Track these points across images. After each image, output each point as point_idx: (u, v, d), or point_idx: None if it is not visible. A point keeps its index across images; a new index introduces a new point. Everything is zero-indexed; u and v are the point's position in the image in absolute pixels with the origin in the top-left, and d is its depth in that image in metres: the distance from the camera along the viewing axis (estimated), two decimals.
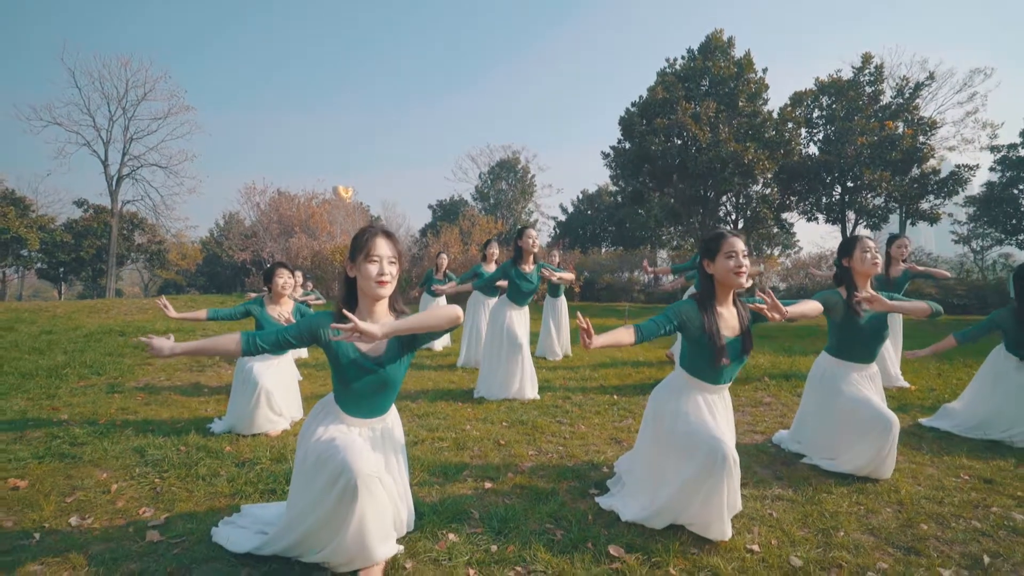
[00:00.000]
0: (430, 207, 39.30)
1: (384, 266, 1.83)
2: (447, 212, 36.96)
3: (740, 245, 2.16)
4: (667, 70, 18.70)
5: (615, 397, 4.72)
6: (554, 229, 37.33)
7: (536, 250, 4.73)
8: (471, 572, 1.92)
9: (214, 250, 37.57)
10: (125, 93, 27.05)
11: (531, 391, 4.63)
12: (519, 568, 1.94)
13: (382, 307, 1.94)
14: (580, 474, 2.88)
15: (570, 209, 37.32)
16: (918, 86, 18.66)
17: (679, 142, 17.43)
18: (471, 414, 4.13)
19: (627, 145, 18.89)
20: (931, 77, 18.78)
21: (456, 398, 4.67)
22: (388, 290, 1.86)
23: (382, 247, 1.83)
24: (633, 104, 19.22)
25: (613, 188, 29.34)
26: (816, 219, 20.63)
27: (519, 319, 4.84)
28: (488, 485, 2.70)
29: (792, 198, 19.17)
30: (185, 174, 28.83)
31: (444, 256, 7.77)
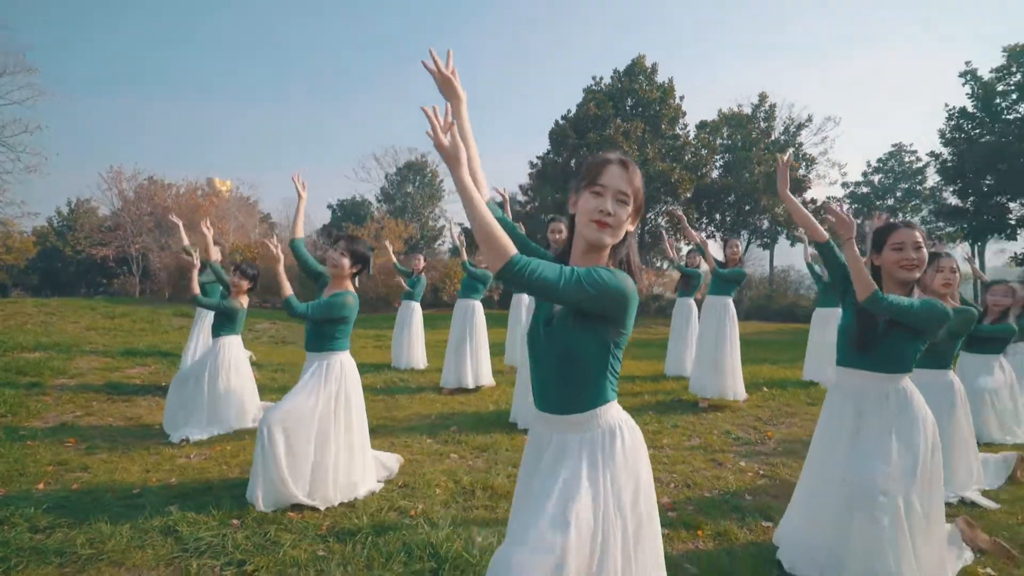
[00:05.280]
0: (330, 207, 36.65)
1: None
2: (348, 212, 34.83)
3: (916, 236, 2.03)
4: (594, 87, 19.46)
5: (652, 414, 4.48)
6: (459, 236, 36.84)
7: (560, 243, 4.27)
8: None
9: (53, 243, 31.21)
10: None
11: None
12: None
13: None
14: (735, 506, 2.63)
15: None
16: (800, 125, 21.73)
17: None
18: None
19: (557, 158, 19.23)
20: (809, 119, 22.04)
21: (496, 424, 4.11)
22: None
23: None
24: (563, 117, 19.64)
25: (523, 198, 29.57)
26: (714, 236, 22.80)
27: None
28: (665, 531, 2.28)
29: (702, 217, 21.04)
30: (23, 148, 23.35)
31: (420, 257, 7.26)
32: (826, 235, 2.12)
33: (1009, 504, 2.74)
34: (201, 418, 3.74)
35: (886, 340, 1.98)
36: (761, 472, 3.15)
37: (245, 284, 3.99)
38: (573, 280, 1.16)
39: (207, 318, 5.02)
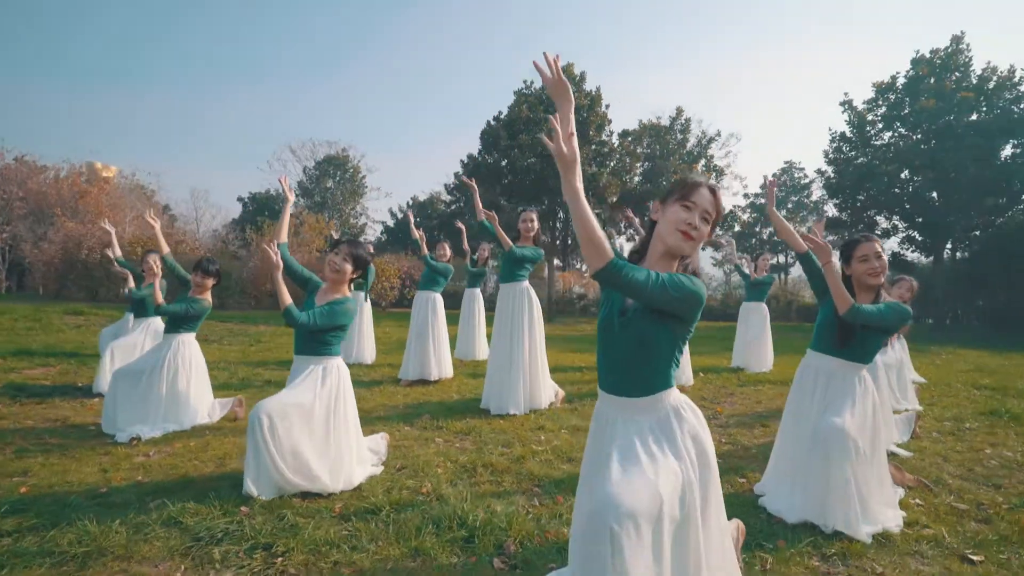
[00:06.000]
0: (240, 200, 34.06)
1: None
2: (261, 207, 32.61)
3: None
4: (525, 91, 19.86)
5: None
6: (381, 234, 35.90)
7: (533, 232, 4.39)
8: None
9: None
10: None
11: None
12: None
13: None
14: None
15: (399, 215, 36.35)
16: (710, 140, 23.83)
17: (532, 159, 18.60)
18: (513, 425, 3.75)
19: (488, 158, 19.38)
20: (718, 134, 24.18)
21: (468, 411, 4.17)
22: None
23: None
24: (495, 119, 19.82)
25: (448, 197, 29.33)
26: (633, 239, 24.21)
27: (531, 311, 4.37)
28: None
29: (622, 222, 22.28)
30: None
31: (370, 246, 7.05)
32: (805, 246, 2.46)
33: (917, 452, 3.31)
34: (157, 416, 3.44)
35: (860, 335, 2.35)
36: (724, 440, 3.51)
37: (210, 282, 3.73)
38: (659, 284, 1.29)
39: (152, 319, 4.57)
